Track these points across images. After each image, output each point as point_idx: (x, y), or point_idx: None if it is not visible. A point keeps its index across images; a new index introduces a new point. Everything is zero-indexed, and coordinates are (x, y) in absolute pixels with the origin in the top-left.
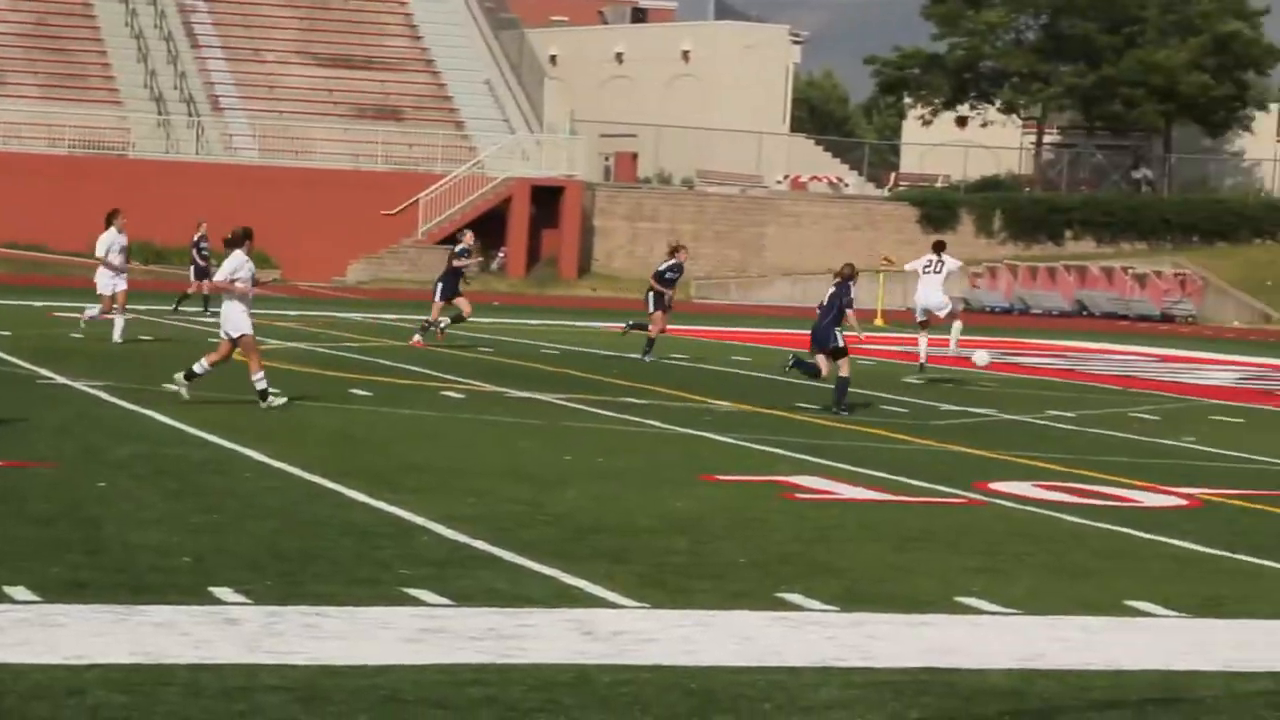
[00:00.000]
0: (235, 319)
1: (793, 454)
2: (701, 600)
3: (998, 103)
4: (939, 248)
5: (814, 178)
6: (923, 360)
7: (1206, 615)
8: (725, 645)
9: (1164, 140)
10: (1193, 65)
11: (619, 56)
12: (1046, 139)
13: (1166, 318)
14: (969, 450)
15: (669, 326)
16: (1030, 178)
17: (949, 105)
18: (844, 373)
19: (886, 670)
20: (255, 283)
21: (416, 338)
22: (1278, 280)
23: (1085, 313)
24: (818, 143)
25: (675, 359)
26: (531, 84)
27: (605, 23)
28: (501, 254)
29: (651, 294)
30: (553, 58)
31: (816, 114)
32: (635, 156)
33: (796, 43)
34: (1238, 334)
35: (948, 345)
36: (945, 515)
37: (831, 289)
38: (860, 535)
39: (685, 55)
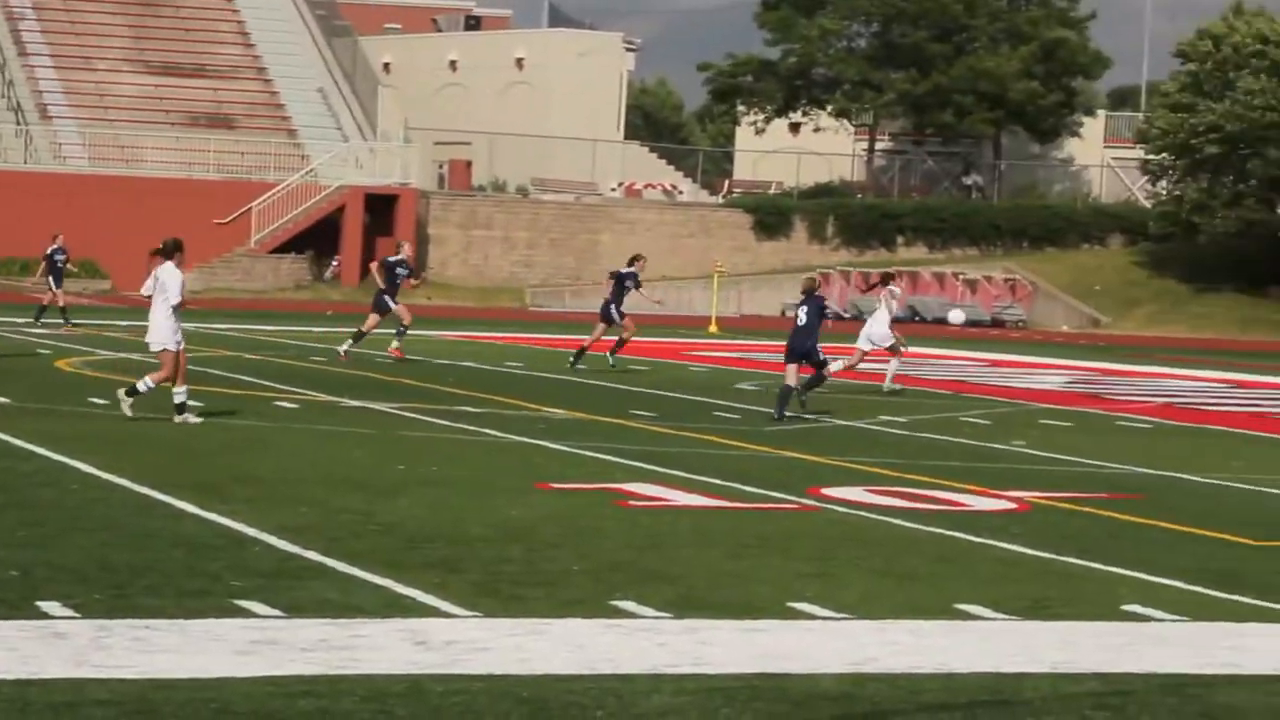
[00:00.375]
0: (163, 331)
1: (628, 461)
2: (535, 608)
3: (830, 109)
4: (887, 279)
5: (648, 185)
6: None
7: (1034, 617)
8: (558, 653)
9: (994, 147)
10: (1022, 73)
11: (453, 64)
12: (879, 146)
13: (997, 322)
14: (803, 456)
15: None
16: (863, 184)
17: (782, 112)
18: (790, 381)
19: (719, 676)
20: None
21: (394, 345)
22: (1106, 285)
23: (917, 318)
24: (652, 150)
25: (511, 367)
26: (365, 92)
27: (439, 30)
28: (335, 263)
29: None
30: (386, 65)
31: (651, 121)
32: (469, 164)
33: (630, 50)
34: (1067, 338)
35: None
36: (779, 521)
37: (804, 305)
38: (694, 542)
39: (519, 63)
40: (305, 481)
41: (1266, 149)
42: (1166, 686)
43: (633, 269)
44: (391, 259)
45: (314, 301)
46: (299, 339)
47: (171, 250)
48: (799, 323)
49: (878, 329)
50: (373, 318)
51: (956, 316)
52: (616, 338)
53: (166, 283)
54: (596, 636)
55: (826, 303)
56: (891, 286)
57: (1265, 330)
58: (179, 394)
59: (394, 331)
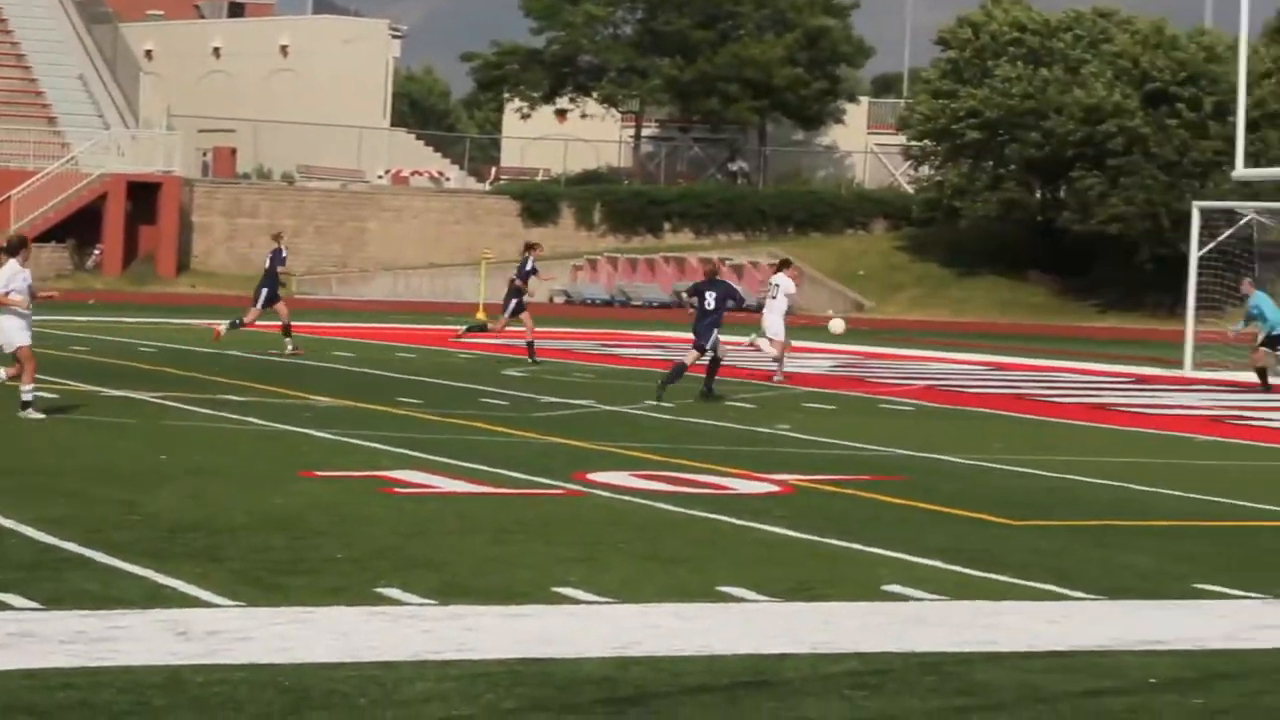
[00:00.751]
0: (10, 332)
1: (394, 449)
2: (298, 597)
3: (596, 96)
4: (782, 266)
5: (415, 172)
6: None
7: (796, 599)
8: (321, 642)
9: (759, 134)
10: (786, 60)
11: (216, 51)
12: (645, 132)
13: (763, 307)
14: (568, 441)
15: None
16: (629, 171)
17: (548, 99)
18: (687, 359)
19: (483, 662)
20: (33, 295)
21: (290, 346)
22: (870, 270)
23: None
24: (419, 137)
25: (275, 355)
26: (126, 79)
27: (202, 17)
28: (97, 251)
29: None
30: (148, 52)
31: (418, 108)
32: (234, 152)
33: (396, 37)
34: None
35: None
36: (544, 506)
37: (710, 290)
38: (459, 528)
39: (284, 50)
40: (64, 473)
41: (1024, 134)
42: (925, 664)
43: (527, 256)
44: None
45: (76, 291)
46: (60, 328)
47: (16, 248)
48: (706, 306)
49: (771, 322)
50: (280, 307)
51: (837, 326)
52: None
53: (8, 281)
54: (360, 624)
55: (735, 287)
56: (780, 276)
57: (1024, 313)
58: (27, 390)
59: (232, 323)
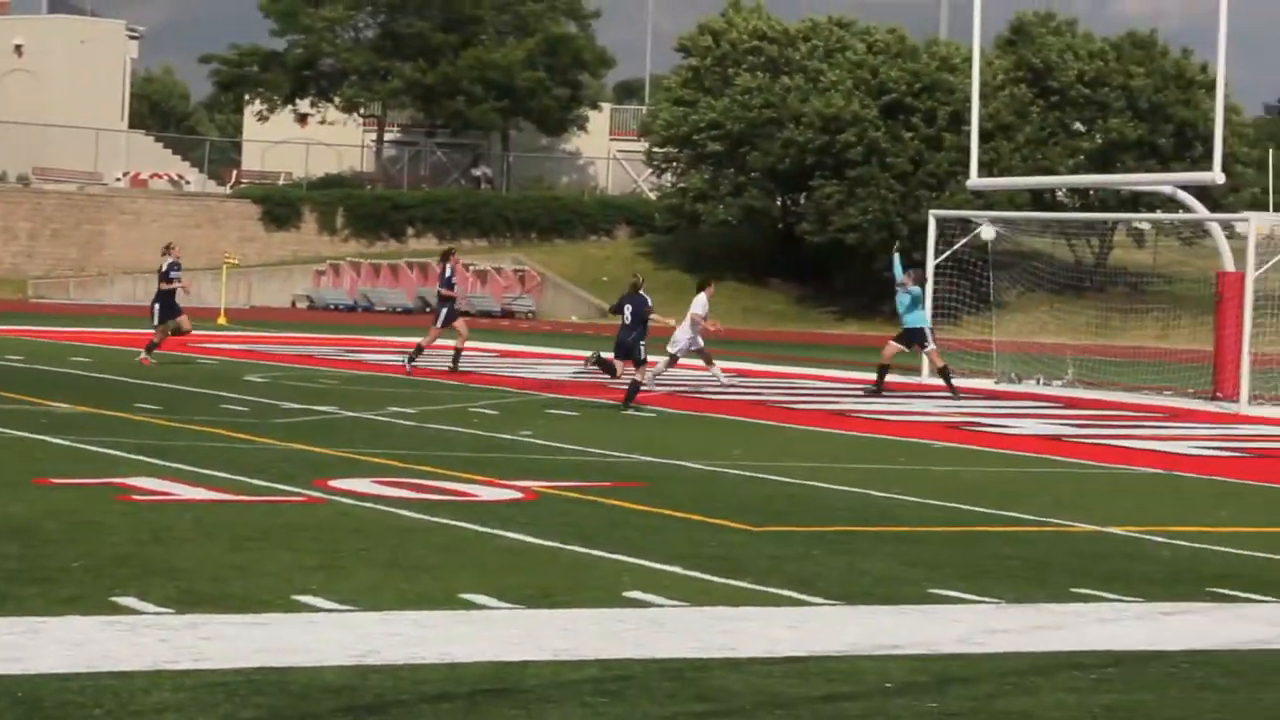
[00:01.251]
0: None
1: (132, 455)
2: (31, 607)
3: (338, 100)
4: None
5: (155, 175)
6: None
7: (539, 606)
8: (55, 652)
9: (502, 139)
10: (528, 65)
11: None
12: (388, 136)
13: (507, 313)
14: (310, 448)
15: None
16: (372, 175)
17: (289, 102)
18: (639, 377)
19: (220, 671)
20: None
21: (142, 357)
22: (613, 276)
23: (428, 309)
24: (158, 139)
25: (10, 360)
26: None
27: None
28: None
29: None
30: None
31: (157, 110)
32: None
33: (134, 38)
34: (575, 328)
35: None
36: (285, 514)
37: (628, 305)
38: (197, 536)
39: (18, 49)
40: None
41: (765, 144)
42: (664, 671)
43: (446, 265)
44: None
45: None
46: None
47: None
48: (624, 321)
49: (679, 334)
50: (183, 319)
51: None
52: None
53: None
54: (95, 634)
55: (648, 301)
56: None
57: (765, 320)
58: None
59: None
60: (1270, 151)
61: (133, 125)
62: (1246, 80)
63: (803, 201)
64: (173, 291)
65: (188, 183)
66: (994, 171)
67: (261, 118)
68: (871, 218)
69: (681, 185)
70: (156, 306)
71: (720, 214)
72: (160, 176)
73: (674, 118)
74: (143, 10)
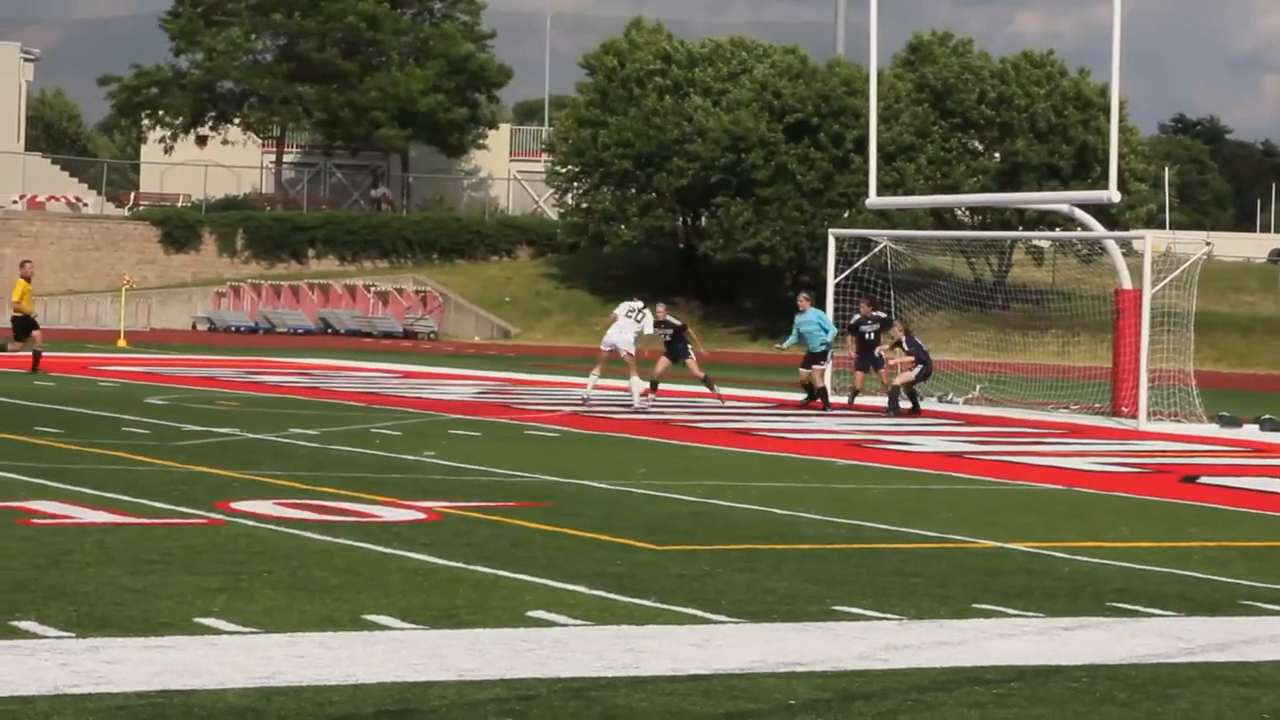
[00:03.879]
0: None
1: (31, 479)
2: None
3: (239, 123)
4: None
5: (51, 197)
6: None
7: (443, 626)
8: None
9: (402, 160)
10: (431, 88)
11: None
12: (287, 158)
13: (409, 334)
14: (212, 470)
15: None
16: (272, 197)
17: (189, 127)
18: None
19: (122, 695)
20: None
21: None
22: (515, 296)
23: (330, 330)
24: (54, 161)
25: None
26: None
27: None
28: None
29: None
30: None
31: (51, 132)
32: None
33: (29, 60)
34: (478, 349)
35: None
36: (186, 536)
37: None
38: (98, 559)
39: None
40: None
41: (671, 163)
42: (569, 690)
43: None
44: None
45: None
46: None
47: None
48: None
49: (624, 337)
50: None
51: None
52: None
53: None
54: None
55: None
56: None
57: None
58: None
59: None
60: (1166, 170)
61: (28, 147)
62: (1142, 99)
63: (705, 220)
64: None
65: (85, 205)
66: (897, 192)
67: (166, 149)
68: (780, 237)
69: (585, 205)
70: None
71: (625, 235)
72: (57, 199)
73: (580, 140)
74: (37, 31)
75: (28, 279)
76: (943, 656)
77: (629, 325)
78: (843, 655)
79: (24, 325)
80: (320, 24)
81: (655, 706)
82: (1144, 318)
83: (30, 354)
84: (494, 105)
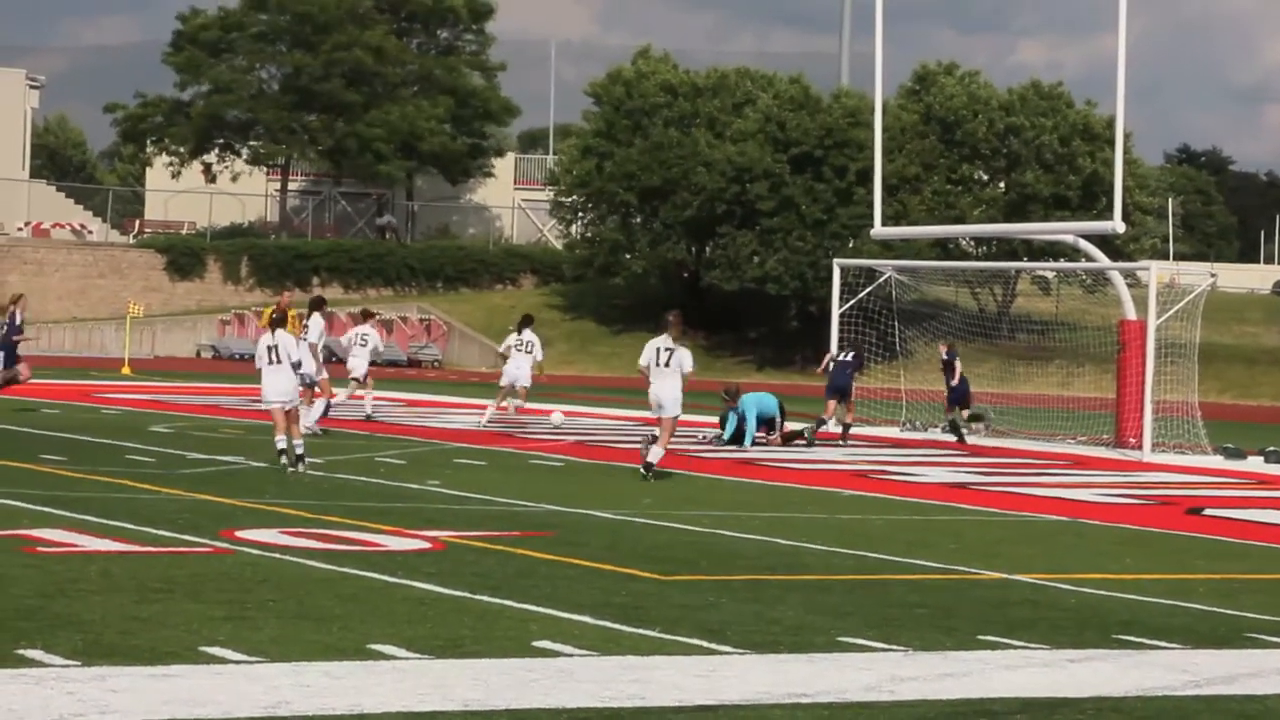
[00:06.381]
0: None
1: (36, 507)
2: None
3: (245, 155)
4: (525, 323)
5: (57, 224)
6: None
7: (448, 656)
8: None
9: (407, 189)
10: (436, 121)
11: None
12: (292, 186)
13: (414, 363)
14: (217, 499)
15: None
16: (276, 225)
17: (195, 155)
18: None
19: None
20: None
21: None
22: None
23: (333, 359)
24: (60, 189)
25: None
26: None
27: None
28: None
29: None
30: None
31: (57, 159)
32: None
33: (34, 88)
34: (482, 378)
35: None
36: (191, 565)
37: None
38: (103, 587)
39: None
40: None
41: (678, 195)
42: None
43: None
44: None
45: None
46: None
47: None
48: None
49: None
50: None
51: (556, 419)
52: None
53: None
54: (1, 687)
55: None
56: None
57: None
58: None
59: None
60: (1170, 200)
61: (33, 175)
62: (1147, 130)
63: (709, 250)
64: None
65: (90, 232)
66: (901, 223)
67: (174, 174)
68: (786, 267)
69: (589, 235)
70: (1, 354)
71: (634, 266)
72: (62, 226)
73: (585, 171)
74: (43, 59)
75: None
76: (949, 688)
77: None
78: (849, 686)
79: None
80: (326, 55)
81: None
82: (1149, 349)
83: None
84: (502, 134)
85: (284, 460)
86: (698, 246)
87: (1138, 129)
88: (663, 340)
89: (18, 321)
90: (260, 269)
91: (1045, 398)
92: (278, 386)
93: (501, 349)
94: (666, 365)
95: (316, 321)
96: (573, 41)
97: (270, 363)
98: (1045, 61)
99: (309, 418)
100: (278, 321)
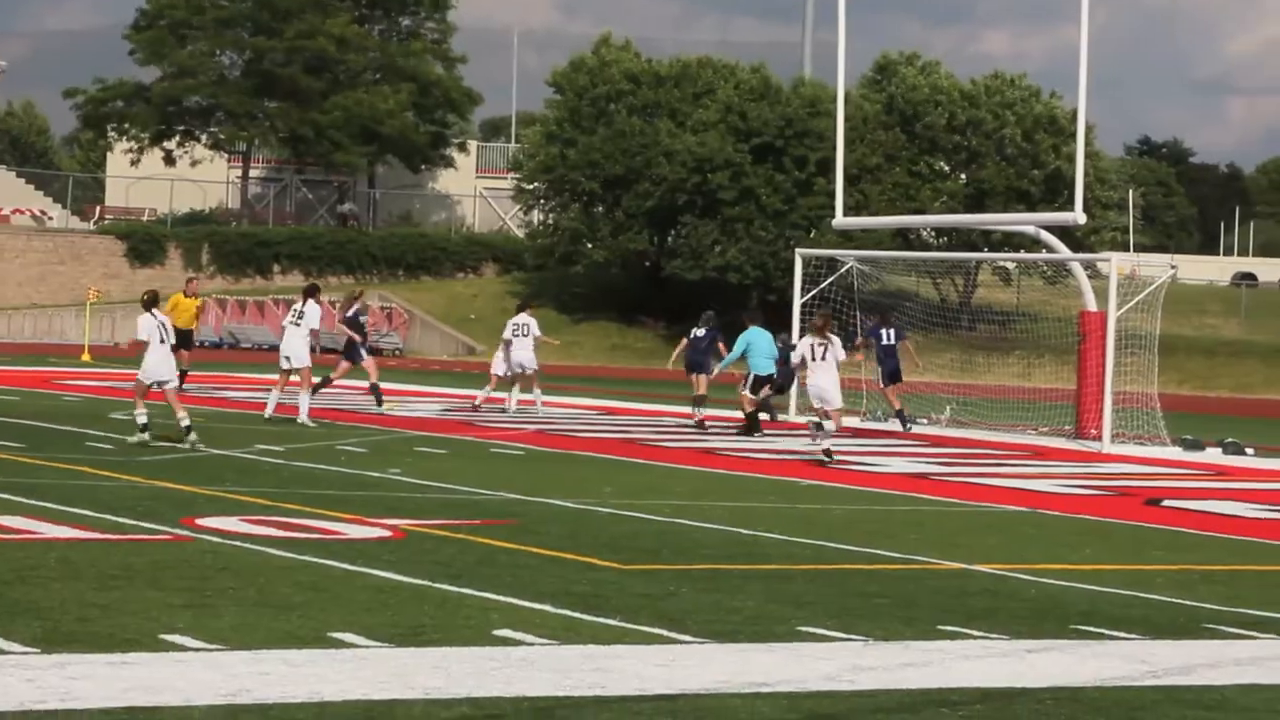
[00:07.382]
0: None
1: None
2: None
3: (204, 139)
4: (522, 307)
5: (16, 210)
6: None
7: (408, 644)
8: None
9: (369, 177)
10: (398, 109)
11: None
12: (253, 173)
13: (374, 350)
14: (177, 486)
15: None
16: (238, 212)
17: (156, 142)
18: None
19: (89, 711)
20: None
21: None
22: (480, 313)
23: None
24: (19, 174)
25: None
26: None
27: None
28: None
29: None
30: None
31: (18, 145)
32: None
33: None
34: (443, 366)
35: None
36: (151, 552)
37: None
38: (63, 574)
39: None
40: None
41: (640, 185)
42: (536, 709)
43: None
44: None
45: None
46: None
47: None
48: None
49: (525, 356)
50: None
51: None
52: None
53: None
54: None
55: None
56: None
57: (632, 358)
58: None
59: None
60: (1130, 192)
61: None
62: (1108, 121)
63: (671, 240)
64: None
65: (50, 218)
66: (862, 214)
67: (133, 162)
68: (747, 257)
69: (550, 223)
70: None
71: (595, 255)
72: (22, 212)
73: (549, 158)
74: (4, 43)
75: None
76: (908, 678)
77: (524, 343)
78: (808, 676)
79: None
80: (289, 42)
81: None
82: (1109, 340)
83: None
84: (462, 124)
85: (144, 435)
86: (659, 236)
87: (1099, 121)
88: (814, 339)
89: None
90: (221, 256)
91: (1006, 388)
92: (163, 366)
93: (505, 336)
94: (823, 359)
95: (313, 309)
96: (535, 29)
97: (160, 341)
98: (1010, 52)
99: (301, 412)
100: (150, 302)
